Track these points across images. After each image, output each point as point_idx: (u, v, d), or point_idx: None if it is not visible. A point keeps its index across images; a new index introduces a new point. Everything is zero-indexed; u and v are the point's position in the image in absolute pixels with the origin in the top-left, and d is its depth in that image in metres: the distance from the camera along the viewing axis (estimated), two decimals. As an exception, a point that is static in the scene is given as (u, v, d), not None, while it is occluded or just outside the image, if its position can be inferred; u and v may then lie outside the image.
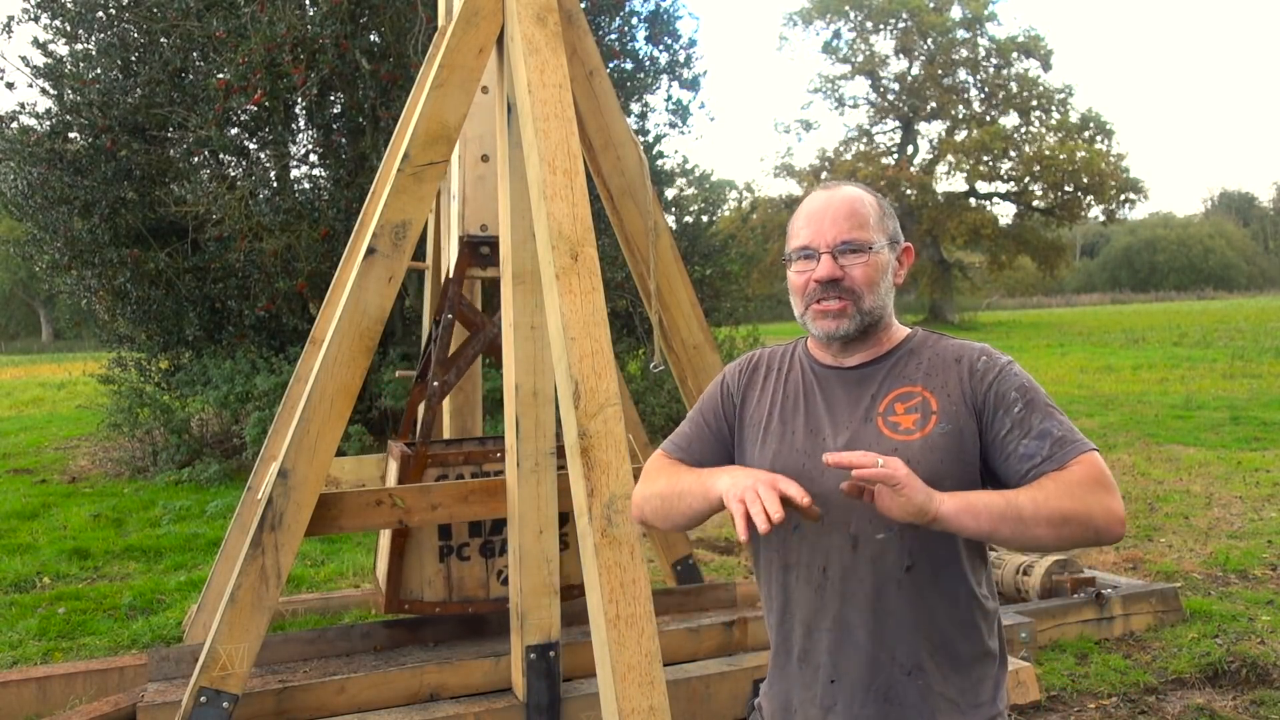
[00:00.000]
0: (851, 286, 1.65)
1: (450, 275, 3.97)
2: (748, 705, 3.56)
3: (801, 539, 1.67)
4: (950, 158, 39.49)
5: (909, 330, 1.76)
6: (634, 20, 11.60)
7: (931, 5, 38.22)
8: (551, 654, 3.29)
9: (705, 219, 14.74)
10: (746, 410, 1.81)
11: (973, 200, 39.90)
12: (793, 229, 1.72)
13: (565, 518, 3.45)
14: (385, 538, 3.80)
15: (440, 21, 4.24)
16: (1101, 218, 40.51)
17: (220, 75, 9.34)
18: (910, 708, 1.61)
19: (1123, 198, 38.39)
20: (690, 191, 16.22)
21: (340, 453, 5.77)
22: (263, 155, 10.43)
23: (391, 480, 3.84)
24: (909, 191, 38.24)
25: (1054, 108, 38.88)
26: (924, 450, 1.60)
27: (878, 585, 1.61)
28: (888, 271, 1.69)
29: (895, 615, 1.61)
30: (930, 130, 41.70)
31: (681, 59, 12.03)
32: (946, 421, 1.62)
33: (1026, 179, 38.47)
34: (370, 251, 3.16)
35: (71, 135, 9.92)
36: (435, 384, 3.82)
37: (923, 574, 1.61)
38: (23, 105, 12.89)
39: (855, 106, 41.90)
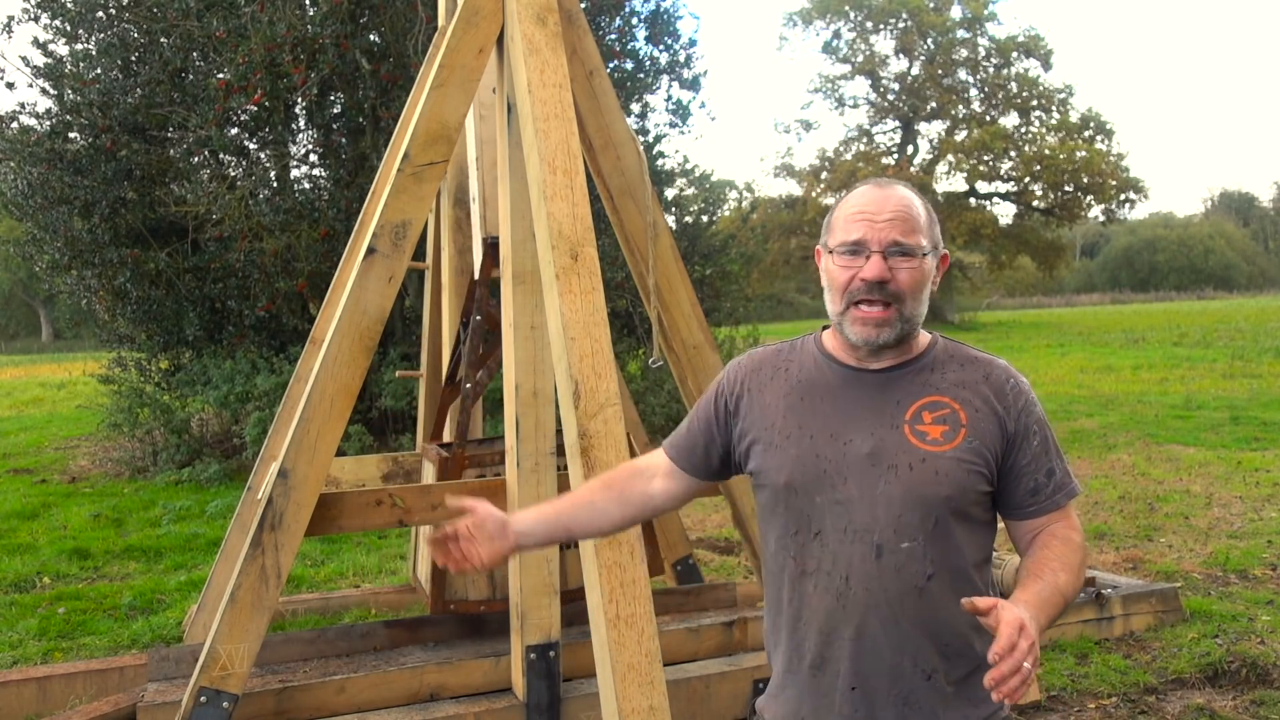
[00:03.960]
0: (897, 290, 1.61)
1: (476, 277, 3.98)
2: (747, 707, 3.56)
3: (823, 547, 1.65)
4: (950, 158, 39.48)
5: (929, 337, 1.74)
6: (634, 20, 11.60)
7: (931, 5, 38.19)
8: (551, 654, 3.29)
9: (705, 219, 14.73)
10: (749, 414, 1.77)
11: (973, 200, 39.88)
12: (840, 221, 1.67)
13: None
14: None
15: (440, 21, 4.24)
16: (1101, 218, 40.49)
17: (220, 75, 9.35)
18: (928, 711, 1.62)
19: (1123, 197, 38.38)
20: (690, 191, 16.20)
21: (340, 453, 5.77)
22: (263, 155, 10.43)
23: (430, 483, 3.85)
24: (909, 191, 38.17)
25: (1054, 108, 38.86)
26: (955, 463, 1.60)
27: (900, 594, 1.60)
28: (930, 279, 1.67)
29: (916, 623, 1.60)
30: (930, 130, 41.72)
31: (681, 59, 12.04)
32: (974, 436, 1.62)
33: (1026, 179, 38.44)
34: (370, 251, 3.16)
35: (71, 135, 9.92)
36: (468, 385, 3.85)
37: (942, 581, 1.61)
38: (23, 105, 12.91)
39: (855, 106, 41.89)
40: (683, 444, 1.87)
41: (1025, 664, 1.35)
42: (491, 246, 3.92)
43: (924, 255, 1.63)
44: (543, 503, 1.82)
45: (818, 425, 1.68)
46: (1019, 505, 1.66)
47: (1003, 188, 39.78)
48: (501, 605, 3.73)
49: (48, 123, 10.01)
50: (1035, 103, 38.70)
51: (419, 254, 4.73)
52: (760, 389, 1.77)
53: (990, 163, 38.62)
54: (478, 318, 3.88)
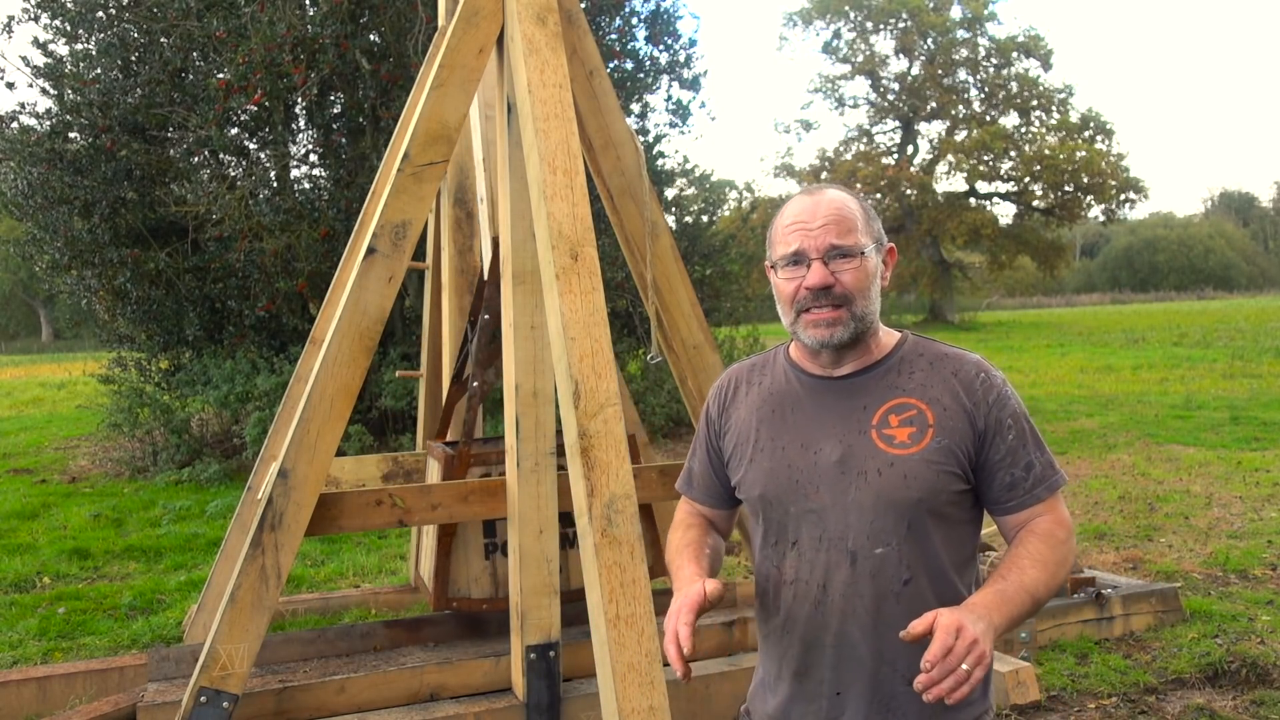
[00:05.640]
0: (843, 292, 1.62)
1: (485, 276, 3.98)
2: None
3: (800, 556, 1.66)
4: (950, 158, 39.49)
5: (898, 335, 1.74)
6: (634, 20, 11.60)
7: (931, 5, 38.20)
8: (551, 654, 3.29)
9: (705, 219, 14.75)
10: (729, 431, 1.81)
11: (973, 200, 39.89)
12: (777, 235, 1.68)
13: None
14: (430, 536, 3.81)
15: (440, 21, 4.24)
16: (1101, 218, 40.51)
17: (220, 75, 9.35)
18: (911, 715, 1.63)
19: (1123, 197, 38.40)
20: (690, 191, 16.22)
21: (340, 453, 5.78)
22: (263, 155, 10.43)
23: (434, 481, 3.85)
24: (909, 191, 38.23)
25: (1054, 108, 38.89)
26: (922, 464, 1.60)
27: (877, 599, 1.61)
28: (876, 275, 1.67)
29: (895, 628, 1.59)
30: (930, 130, 41.75)
31: (681, 59, 12.04)
32: (943, 435, 1.61)
33: (1026, 179, 38.46)
34: (370, 251, 3.16)
35: (71, 135, 9.92)
36: (475, 384, 3.84)
37: (920, 585, 1.61)
38: (23, 105, 12.87)
39: (855, 106, 41.91)
40: (700, 484, 1.90)
41: (963, 666, 1.38)
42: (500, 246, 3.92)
43: (864, 253, 1.64)
44: (688, 549, 1.78)
45: (788, 436, 1.70)
46: (998, 501, 1.66)
47: (1003, 188, 39.80)
48: (503, 604, 3.73)
49: (48, 123, 10.01)
50: (1035, 103, 38.72)
51: (419, 254, 4.73)
52: (736, 405, 1.81)
53: (990, 163, 38.63)
54: (485, 317, 3.87)
